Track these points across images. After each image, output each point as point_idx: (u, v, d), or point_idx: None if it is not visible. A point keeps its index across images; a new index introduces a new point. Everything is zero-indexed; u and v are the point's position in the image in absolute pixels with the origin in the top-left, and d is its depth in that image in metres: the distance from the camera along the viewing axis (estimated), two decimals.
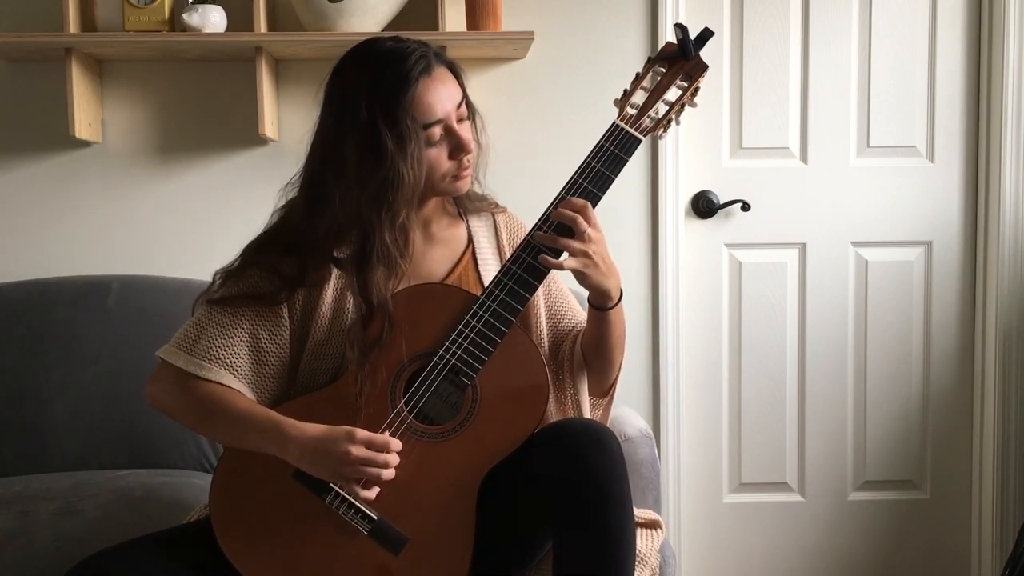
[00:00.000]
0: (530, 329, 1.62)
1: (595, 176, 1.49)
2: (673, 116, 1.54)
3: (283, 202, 1.59)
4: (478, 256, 1.63)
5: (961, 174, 2.63)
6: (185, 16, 2.28)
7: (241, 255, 1.56)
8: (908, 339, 2.66)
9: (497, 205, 1.70)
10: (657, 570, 1.62)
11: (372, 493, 1.42)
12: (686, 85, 1.53)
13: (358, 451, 1.38)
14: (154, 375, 1.55)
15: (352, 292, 1.51)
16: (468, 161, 1.54)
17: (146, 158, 2.47)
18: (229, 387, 1.49)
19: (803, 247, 2.63)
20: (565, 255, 1.47)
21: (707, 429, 2.66)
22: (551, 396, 1.60)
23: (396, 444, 1.42)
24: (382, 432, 1.44)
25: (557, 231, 1.47)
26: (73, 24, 2.27)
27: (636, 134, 1.51)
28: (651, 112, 1.52)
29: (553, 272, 1.54)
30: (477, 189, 1.64)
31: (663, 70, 1.53)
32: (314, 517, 1.45)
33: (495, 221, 1.69)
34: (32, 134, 2.44)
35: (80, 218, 2.46)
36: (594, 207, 1.48)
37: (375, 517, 1.44)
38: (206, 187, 2.47)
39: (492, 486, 1.47)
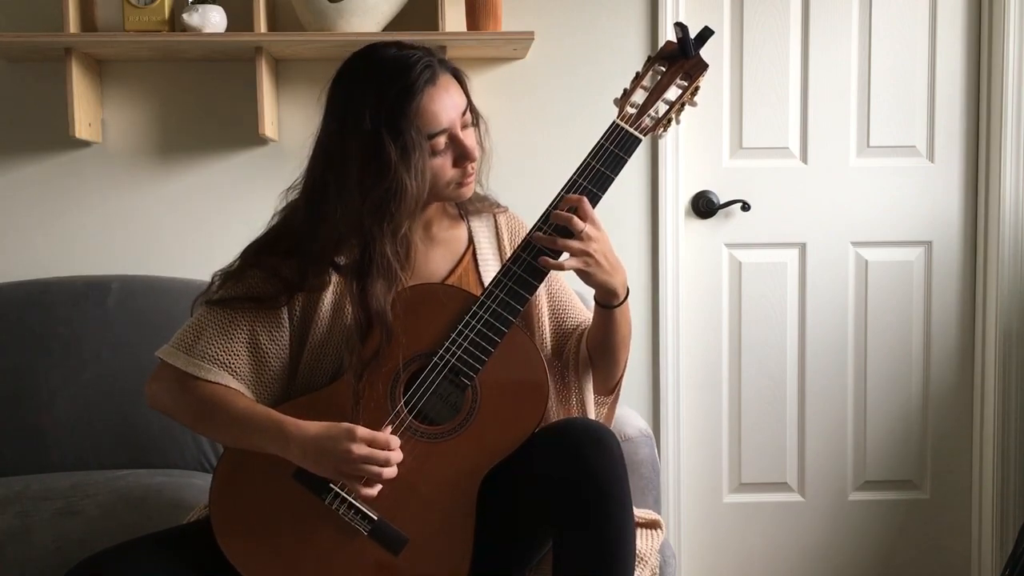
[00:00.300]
0: (532, 329, 1.62)
1: (595, 176, 1.49)
2: (673, 115, 1.54)
3: (283, 204, 1.59)
4: (479, 257, 1.63)
5: (961, 174, 2.63)
6: (185, 16, 2.28)
7: (241, 257, 1.56)
8: (908, 339, 2.66)
9: (498, 205, 1.70)
10: (657, 570, 1.62)
11: (373, 491, 1.41)
12: (686, 84, 1.53)
13: (359, 449, 1.38)
14: (153, 375, 1.54)
15: (351, 301, 1.50)
16: (472, 168, 1.54)
17: (146, 158, 2.47)
18: (229, 387, 1.49)
19: (803, 247, 2.63)
20: (565, 255, 1.47)
21: (707, 429, 2.66)
22: (555, 395, 1.60)
23: (396, 442, 1.42)
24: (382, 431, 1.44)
25: (557, 232, 1.47)
26: (73, 24, 2.27)
27: (636, 133, 1.51)
28: (651, 111, 1.52)
29: (556, 271, 1.54)
30: (478, 190, 1.64)
31: (663, 69, 1.53)
32: (314, 517, 1.45)
33: (496, 221, 1.68)
34: (32, 134, 2.44)
35: (80, 218, 2.46)
36: (594, 207, 1.48)
37: (375, 517, 1.44)
38: (206, 187, 2.47)
39: (492, 486, 1.47)
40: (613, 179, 1.50)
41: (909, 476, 2.70)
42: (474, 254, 1.63)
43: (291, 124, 2.45)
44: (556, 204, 1.49)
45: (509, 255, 1.54)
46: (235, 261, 1.55)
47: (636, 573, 1.54)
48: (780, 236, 2.63)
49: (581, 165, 1.50)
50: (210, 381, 1.49)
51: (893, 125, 2.61)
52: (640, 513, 1.64)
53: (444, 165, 1.51)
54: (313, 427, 1.42)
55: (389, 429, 1.44)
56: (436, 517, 1.46)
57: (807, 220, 2.62)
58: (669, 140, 2.50)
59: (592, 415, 1.64)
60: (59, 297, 2.25)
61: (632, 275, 2.52)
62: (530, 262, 1.48)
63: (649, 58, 1.55)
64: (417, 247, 1.57)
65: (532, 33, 2.34)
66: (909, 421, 2.68)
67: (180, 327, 1.54)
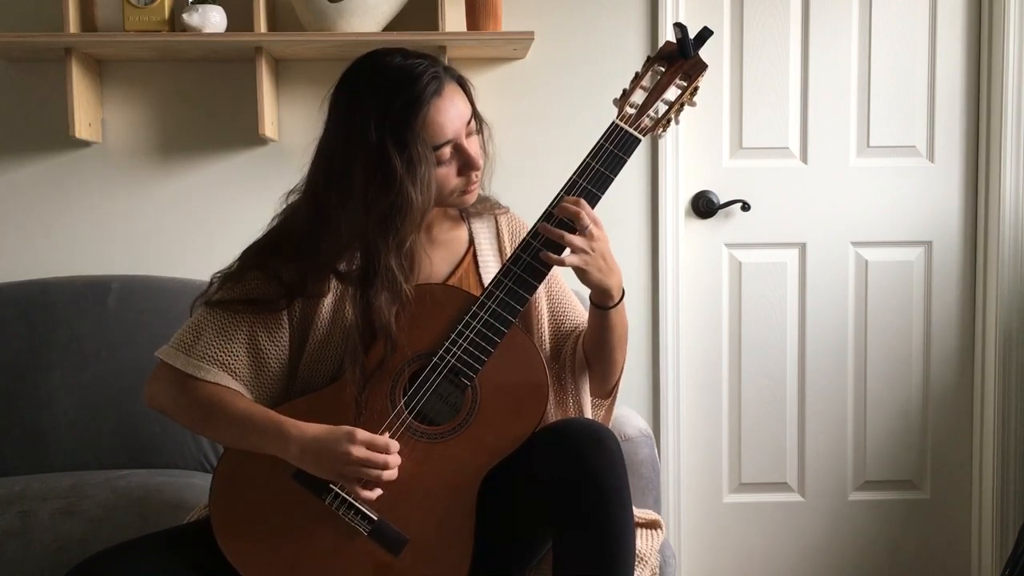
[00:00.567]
0: (532, 330, 1.62)
1: (595, 176, 1.49)
2: (672, 115, 1.54)
3: (284, 206, 1.58)
4: (479, 257, 1.63)
5: (961, 174, 2.63)
6: (185, 16, 2.28)
7: (240, 258, 1.55)
8: (908, 339, 2.66)
9: (499, 206, 1.70)
10: (657, 570, 1.62)
11: (373, 494, 1.42)
12: (685, 84, 1.53)
13: (359, 451, 1.38)
14: (153, 375, 1.54)
15: (354, 311, 1.50)
16: (477, 176, 1.54)
17: (146, 158, 2.47)
18: (228, 388, 1.49)
19: (803, 247, 2.63)
20: (567, 251, 1.47)
21: (707, 429, 2.66)
22: (552, 397, 1.60)
23: (396, 446, 1.42)
24: (382, 432, 1.45)
25: (559, 227, 1.46)
26: (73, 24, 2.27)
27: (635, 133, 1.50)
28: (650, 111, 1.52)
29: (555, 273, 1.54)
30: (480, 191, 1.63)
31: (662, 69, 1.53)
32: (314, 518, 1.45)
33: (497, 222, 1.68)
34: (32, 134, 2.44)
35: (80, 218, 2.46)
36: (594, 207, 1.48)
37: (375, 518, 1.44)
38: (206, 187, 2.47)
39: (492, 486, 1.47)
40: (613, 179, 1.50)
41: (909, 476, 2.70)
42: (475, 255, 1.63)
43: (291, 124, 2.45)
44: (555, 204, 1.48)
45: (509, 255, 1.54)
46: (234, 263, 1.55)
47: (636, 573, 1.54)
48: (780, 236, 2.63)
49: (581, 165, 1.50)
50: (209, 382, 1.49)
51: (893, 125, 2.61)
52: (640, 513, 1.64)
53: (448, 174, 1.51)
54: (313, 428, 1.42)
55: (388, 432, 1.44)
56: (436, 517, 1.46)
57: (807, 220, 2.62)
58: (669, 140, 2.51)
59: (589, 417, 1.63)
60: (59, 297, 2.25)
61: (632, 275, 2.52)
62: (530, 262, 1.48)
63: (648, 58, 1.55)
64: (418, 249, 1.57)
65: (532, 33, 2.34)
66: (909, 421, 2.68)
67: (179, 327, 1.54)
